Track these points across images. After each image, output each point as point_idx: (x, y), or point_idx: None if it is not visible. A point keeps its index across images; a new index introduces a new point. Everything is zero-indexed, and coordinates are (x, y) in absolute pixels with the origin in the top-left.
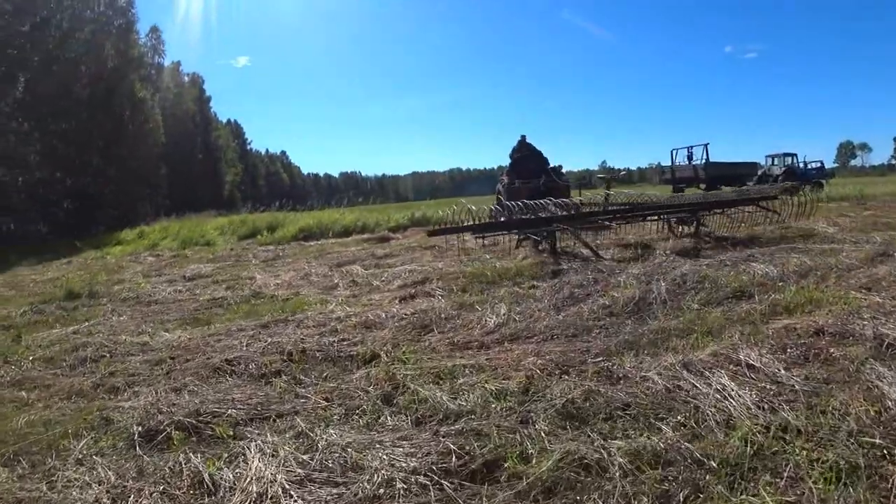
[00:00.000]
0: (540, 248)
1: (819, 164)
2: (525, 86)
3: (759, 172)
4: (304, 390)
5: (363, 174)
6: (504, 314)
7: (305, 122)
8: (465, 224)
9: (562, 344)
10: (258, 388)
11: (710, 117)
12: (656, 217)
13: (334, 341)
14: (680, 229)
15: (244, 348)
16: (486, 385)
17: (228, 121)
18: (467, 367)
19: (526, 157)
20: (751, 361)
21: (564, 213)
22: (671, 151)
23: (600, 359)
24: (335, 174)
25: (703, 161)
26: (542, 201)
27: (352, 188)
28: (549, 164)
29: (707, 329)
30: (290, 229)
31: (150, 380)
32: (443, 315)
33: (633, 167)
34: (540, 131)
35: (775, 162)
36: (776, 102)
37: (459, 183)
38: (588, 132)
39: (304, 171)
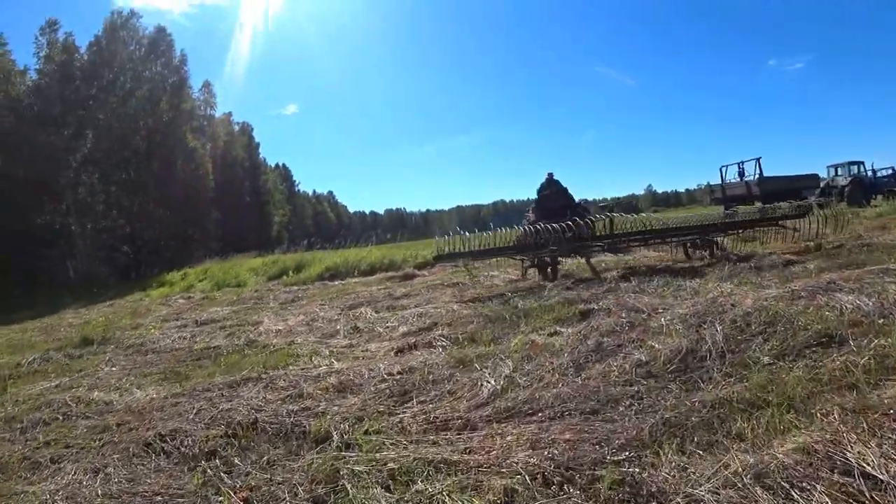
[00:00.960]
0: (548, 270)
1: (891, 171)
2: (569, 114)
3: (822, 184)
4: (229, 481)
5: (408, 210)
6: (506, 376)
7: (352, 162)
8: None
9: (574, 424)
10: (178, 477)
11: (763, 134)
12: (661, 241)
13: (294, 410)
14: (696, 254)
15: (193, 416)
16: (447, 499)
17: (277, 164)
18: (433, 464)
19: (552, 195)
20: (868, 469)
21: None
22: (720, 169)
23: (625, 455)
24: (380, 211)
25: (756, 176)
26: (552, 225)
27: (396, 224)
28: (574, 201)
29: (787, 399)
30: (316, 268)
31: (79, 455)
32: (432, 376)
33: (682, 189)
34: (584, 159)
35: (839, 172)
36: (831, 110)
37: (504, 214)
38: (634, 157)
39: (351, 209)
